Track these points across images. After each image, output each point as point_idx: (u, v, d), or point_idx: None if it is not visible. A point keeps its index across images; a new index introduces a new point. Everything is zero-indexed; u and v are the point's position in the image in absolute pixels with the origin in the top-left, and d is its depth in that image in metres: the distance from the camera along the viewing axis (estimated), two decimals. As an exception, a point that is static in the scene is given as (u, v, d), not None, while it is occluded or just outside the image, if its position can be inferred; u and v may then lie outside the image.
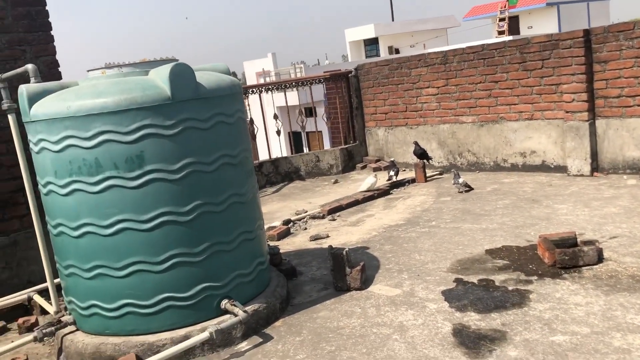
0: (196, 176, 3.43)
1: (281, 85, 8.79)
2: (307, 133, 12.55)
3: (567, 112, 6.71)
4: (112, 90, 3.30)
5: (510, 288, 3.84)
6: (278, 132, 9.03)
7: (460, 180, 6.74)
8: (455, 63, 7.80)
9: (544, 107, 7.00)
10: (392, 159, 8.04)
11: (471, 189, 6.77)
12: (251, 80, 27.46)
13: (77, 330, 3.68)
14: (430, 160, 7.90)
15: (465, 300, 3.73)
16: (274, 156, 9.14)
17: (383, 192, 7.16)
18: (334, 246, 4.62)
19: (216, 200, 3.53)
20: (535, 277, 3.95)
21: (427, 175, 7.77)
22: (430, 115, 8.29)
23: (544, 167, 7.14)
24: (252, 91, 8.70)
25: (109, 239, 3.35)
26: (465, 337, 3.24)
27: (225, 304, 3.56)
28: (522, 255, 4.43)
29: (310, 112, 11.21)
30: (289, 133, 11.75)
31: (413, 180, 7.69)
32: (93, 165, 3.27)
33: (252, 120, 9.02)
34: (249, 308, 3.63)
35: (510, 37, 24.26)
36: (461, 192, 6.68)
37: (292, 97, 10.66)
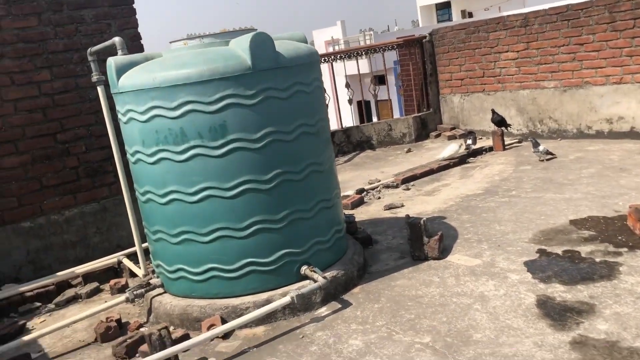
0: (276, 145, 3.48)
1: (353, 53, 8.70)
2: (377, 102, 12.42)
3: (661, 74, 6.27)
4: (195, 61, 3.38)
5: (597, 260, 3.68)
6: (350, 102, 8.97)
7: (541, 148, 6.48)
8: (536, 25, 7.42)
9: (635, 69, 6.56)
10: (469, 128, 7.81)
11: (554, 156, 6.50)
12: (320, 49, 27.37)
13: (165, 292, 3.87)
14: (509, 128, 7.62)
15: (549, 272, 3.62)
16: (344, 126, 9.10)
17: (459, 161, 7.00)
18: (410, 215, 4.59)
19: (295, 169, 3.57)
20: (625, 249, 3.77)
21: (506, 143, 7.52)
22: (509, 81, 7.97)
23: (632, 134, 6.74)
24: (325, 59, 8.65)
25: (194, 206, 3.47)
26: (550, 309, 3.15)
27: (305, 269, 3.63)
28: (610, 226, 4.23)
29: (381, 79, 11.05)
30: (358, 102, 11.67)
31: (491, 149, 7.47)
32: (178, 135, 3.38)
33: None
34: (328, 274, 3.68)
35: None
36: (542, 160, 6.42)
37: (363, 65, 10.53)
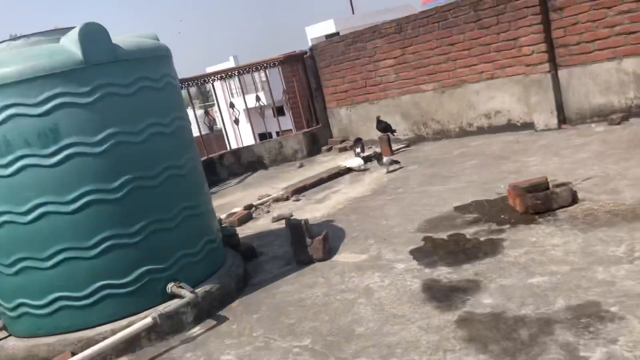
0: (122, 148, 3.07)
1: (234, 72, 8.43)
2: (278, 132, 12.20)
3: (527, 65, 6.48)
4: (15, 59, 2.93)
5: (482, 239, 3.55)
6: (236, 122, 8.66)
7: (385, 160, 6.31)
8: (410, 30, 7.53)
9: (505, 64, 6.76)
10: (357, 137, 7.72)
11: (398, 164, 6.37)
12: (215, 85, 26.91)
13: (8, 335, 3.29)
14: (394, 133, 7.60)
15: (435, 257, 3.43)
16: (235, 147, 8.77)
17: (349, 169, 6.84)
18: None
19: (149, 173, 3.18)
20: (508, 226, 3.68)
21: (394, 148, 7.48)
22: (391, 88, 8.01)
23: (510, 127, 6.90)
24: (208, 80, 8.32)
25: (29, 227, 2.97)
26: (436, 292, 2.94)
27: (171, 287, 3.21)
28: (493, 207, 4.15)
29: (280, 111, 10.88)
30: (261, 134, 11.53)
31: (380, 154, 7.39)
32: (1, 145, 2.89)
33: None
34: (200, 290, 3.28)
35: None
36: (389, 172, 6.22)
37: (263, 97, 10.36)
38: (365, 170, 6.64)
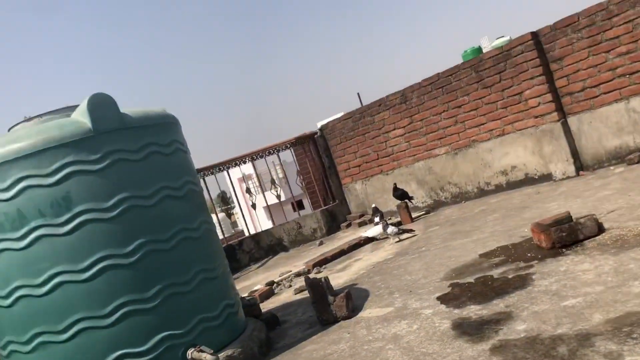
0: (135, 212, 3.08)
1: (247, 159, 8.59)
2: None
3: (536, 117, 6.52)
4: (27, 134, 3.03)
5: (510, 276, 3.40)
6: (254, 206, 8.71)
7: (390, 230, 6.03)
8: (415, 99, 7.70)
9: (513, 119, 6.81)
10: (373, 206, 7.67)
11: (412, 233, 6.08)
12: (236, 186, 27.48)
13: (26, 419, 3.14)
14: (412, 200, 7.55)
15: (464, 298, 3.28)
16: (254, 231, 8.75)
17: (369, 238, 6.75)
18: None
19: (162, 236, 3.15)
20: (536, 262, 3.53)
21: (413, 216, 7.40)
22: (403, 157, 8.07)
23: (528, 180, 6.83)
24: (223, 168, 8.47)
25: (45, 299, 2.92)
26: (466, 327, 2.78)
27: (192, 352, 3.08)
28: (519, 248, 4.01)
29: (300, 204, 11.02)
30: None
31: (399, 223, 7.31)
32: (16, 218, 2.92)
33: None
34: (222, 355, 3.14)
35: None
36: (397, 242, 5.99)
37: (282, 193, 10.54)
38: (386, 237, 6.52)
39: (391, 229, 6.08)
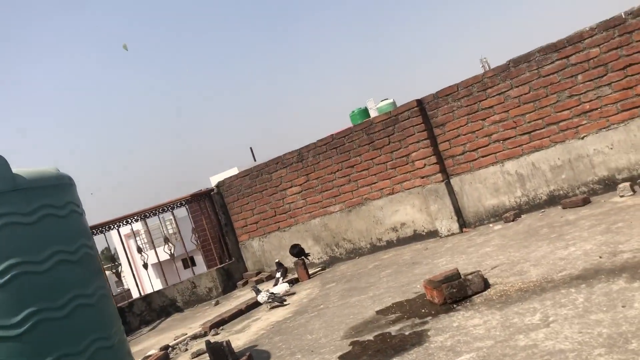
0: (25, 279, 2.88)
1: (140, 216, 8.31)
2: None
3: (422, 177, 6.97)
4: None
5: (407, 333, 3.56)
6: (145, 266, 8.37)
7: (260, 297, 6.09)
8: (310, 158, 7.94)
9: (401, 179, 7.22)
10: (277, 260, 7.68)
11: (281, 302, 6.05)
12: (119, 243, 26.15)
13: None
14: (308, 257, 7.67)
15: (364, 356, 3.37)
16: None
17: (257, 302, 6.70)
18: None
19: (55, 304, 2.97)
20: (430, 317, 3.72)
21: (310, 272, 7.50)
22: (300, 214, 8.21)
23: (417, 236, 7.21)
24: (113, 226, 8.10)
25: None
26: (370, 387, 2.85)
27: None
28: (413, 304, 4.21)
29: (192, 261, 10.71)
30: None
31: (297, 280, 7.36)
32: None
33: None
34: None
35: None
36: (271, 308, 6.02)
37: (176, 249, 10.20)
38: (291, 294, 6.51)
39: (261, 296, 6.10)
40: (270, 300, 6.06)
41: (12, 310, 2.81)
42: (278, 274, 7.23)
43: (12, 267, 2.85)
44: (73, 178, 3.56)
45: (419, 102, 6.90)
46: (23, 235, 2.94)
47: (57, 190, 3.25)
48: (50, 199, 3.15)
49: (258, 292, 6.21)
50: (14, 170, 3.06)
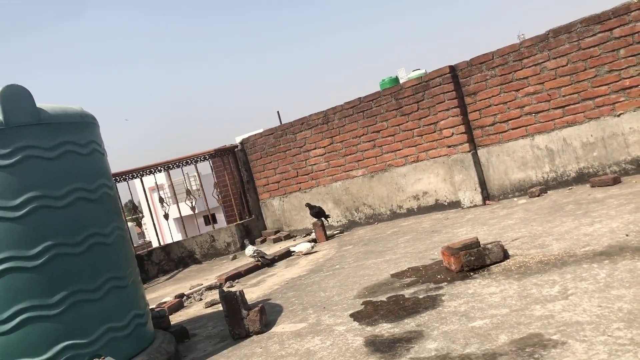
0: (43, 213, 2.91)
1: (164, 167, 8.36)
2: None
3: (449, 147, 6.84)
4: None
5: (421, 297, 3.52)
6: (166, 217, 8.46)
7: (247, 251, 6.38)
8: (336, 120, 7.85)
9: (427, 147, 7.10)
10: (292, 229, 7.69)
11: (268, 259, 6.38)
12: (142, 196, 26.46)
13: None
14: (328, 218, 7.65)
15: (376, 316, 3.35)
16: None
17: (284, 254, 6.74)
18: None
19: (72, 240, 3.00)
20: (445, 283, 3.68)
21: (328, 234, 7.49)
22: (322, 176, 8.17)
23: (438, 206, 7.12)
24: (136, 174, 8.18)
25: None
26: (379, 345, 2.83)
27: (94, 364, 2.93)
28: (429, 270, 4.16)
29: (213, 218, 10.79)
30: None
31: (314, 241, 7.36)
32: None
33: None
34: (127, 367, 3.01)
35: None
36: (258, 262, 6.31)
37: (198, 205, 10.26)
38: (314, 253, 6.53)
39: (248, 250, 6.35)
40: (255, 254, 6.26)
41: (31, 242, 2.85)
42: (246, 241, 7.22)
43: (31, 199, 2.87)
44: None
45: (452, 69, 6.72)
46: (44, 170, 2.96)
47: (81, 128, 3.25)
48: (73, 136, 3.16)
49: (245, 246, 6.30)
50: (38, 105, 3.05)
